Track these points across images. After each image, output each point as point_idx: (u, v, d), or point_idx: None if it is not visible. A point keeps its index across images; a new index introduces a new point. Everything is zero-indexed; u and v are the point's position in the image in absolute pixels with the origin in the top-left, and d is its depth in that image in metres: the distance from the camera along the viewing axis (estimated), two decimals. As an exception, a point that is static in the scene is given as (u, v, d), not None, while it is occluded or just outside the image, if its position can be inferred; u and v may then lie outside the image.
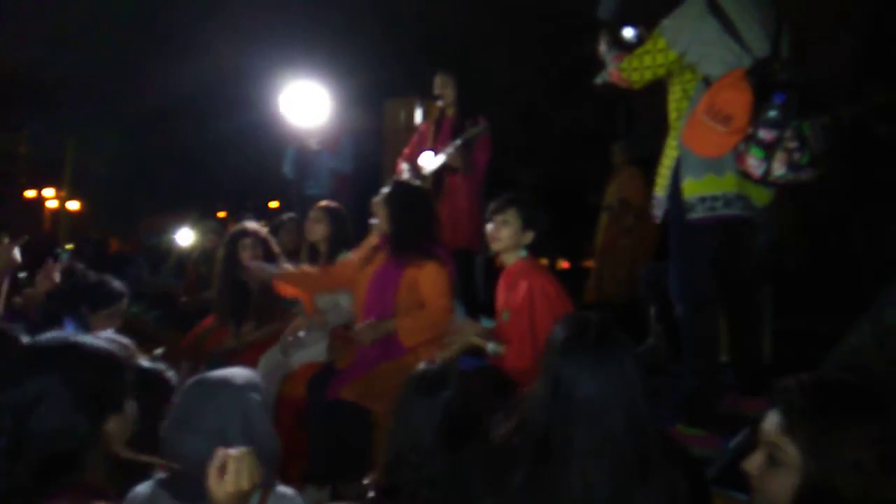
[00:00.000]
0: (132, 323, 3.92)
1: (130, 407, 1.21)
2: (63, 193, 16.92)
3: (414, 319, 2.82)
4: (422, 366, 1.69)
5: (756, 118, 2.15)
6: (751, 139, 2.16)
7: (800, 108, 2.13)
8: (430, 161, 3.99)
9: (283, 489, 1.55)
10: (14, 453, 1.06)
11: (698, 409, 2.37)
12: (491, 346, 2.47)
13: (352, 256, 3.22)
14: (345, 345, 3.11)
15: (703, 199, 2.32)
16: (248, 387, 1.56)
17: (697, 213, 2.33)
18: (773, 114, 2.12)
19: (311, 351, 3.26)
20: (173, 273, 5.22)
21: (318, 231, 3.53)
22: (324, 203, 3.65)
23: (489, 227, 2.66)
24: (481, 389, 1.80)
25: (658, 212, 2.49)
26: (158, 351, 2.49)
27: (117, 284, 2.94)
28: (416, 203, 3.00)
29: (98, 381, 1.14)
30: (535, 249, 2.65)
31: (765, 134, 2.13)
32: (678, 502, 1.35)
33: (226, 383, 1.53)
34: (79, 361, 1.15)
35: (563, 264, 8.52)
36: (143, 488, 1.47)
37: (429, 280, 2.85)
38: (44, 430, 1.07)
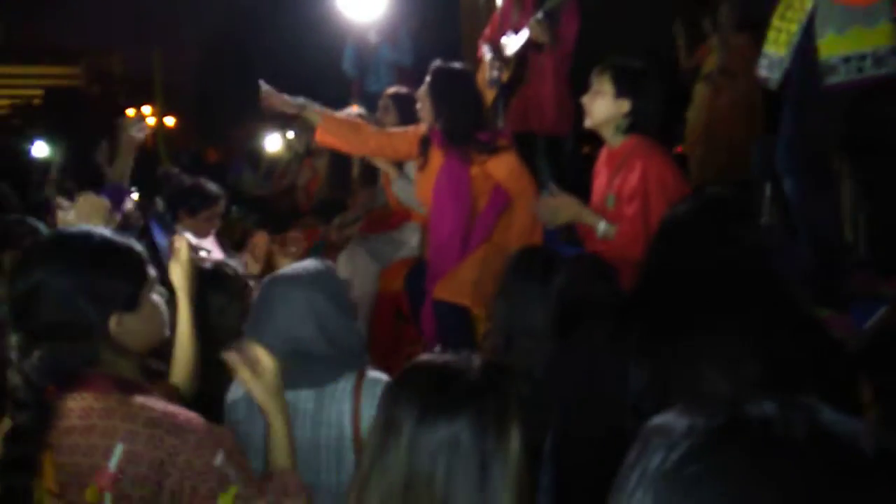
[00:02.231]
0: (232, 226, 4.06)
1: (151, 308, 1.17)
2: (158, 111, 17.66)
3: (519, 223, 2.67)
4: (526, 251, 1.63)
5: None
6: None
7: None
8: (513, 40, 3.71)
9: (376, 374, 1.56)
10: (24, 348, 1.06)
11: (825, 290, 2.17)
12: (602, 227, 2.25)
13: (410, 130, 2.96)
14: None
15: (846, 59, 1.99)
16: (319, 283, 1.54)
17: (839, 77, 2.00)
18: None
19: (406, 247, 3.26)
20: (268, 177, 5.33)
21: (387, 120, 3.36)
22: (391, 90, 3.50)
23: (583, 100, 2.39)
24: (588, 276, 1.71)
25: (773, 74, 2.17)
26: (293, 249, 2.48)
27: (213, 187, 3.00)
28: (461, 87, 2.75)
29: (93, 275, 1.10)
30: (645, 127, 2.31)
31: None
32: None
33: (296, 282, 1.52)
34: (81, 252, 1.12)
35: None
36: (237, 391, 1.52)
37: (505, 170, 2.68)
38: (43, 325, 1.08)
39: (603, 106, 2.29)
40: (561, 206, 2.32)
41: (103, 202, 1.80)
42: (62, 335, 1.07)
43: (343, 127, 2.91)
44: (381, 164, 3.28)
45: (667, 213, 1.64)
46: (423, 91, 2.74)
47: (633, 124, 2.28)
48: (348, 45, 4.58)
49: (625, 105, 2.26)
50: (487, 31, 3.95)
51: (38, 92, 53.64)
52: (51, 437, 1.04)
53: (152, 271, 1.19)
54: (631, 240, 2.20)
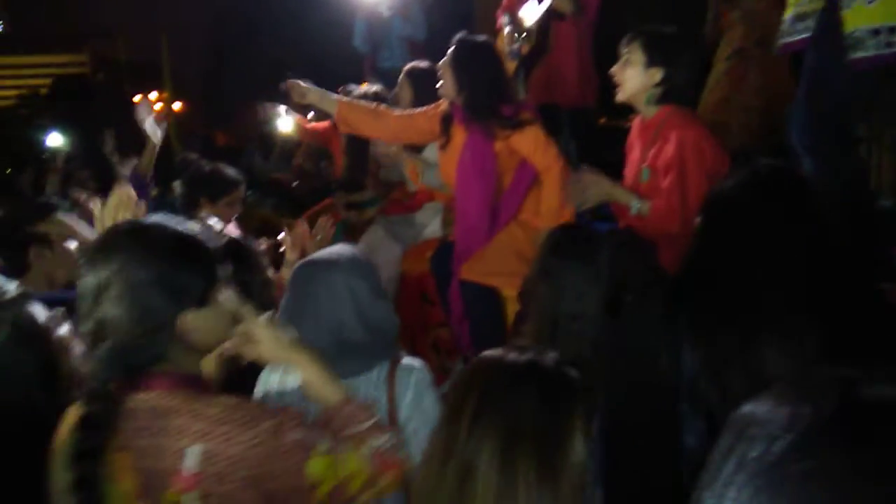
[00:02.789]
0: (251, 210, 4.01)
1: (219, 306, 1.13)
2: (166, 95, 17.56)
3: (548, 200, 2.59)
4: (565, 228, 1.57)
5: None
6: None
7: None
8: (533, 9, 3.58)
9: (409, 360, 1.55)
10: (96, 337, 1.04)
11: (877, 261, 2.08)
12: (636, 204, 2.17)
13: (430, 108, 2.85)
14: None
15: (875, 32, 1.87)
16: (354, 266, 1.52)
17: (866, 52, 1.89)
18: None
19: (428, 228, 3.20)
20: (282, 160, 5.26)
21: (404, 97, 3.23)
22: (408, 66, 3.39)
23: (612, 70, 2.29)
24: (630, 254, 1.65)
25: (791, 39, 2.06)
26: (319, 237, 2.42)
27: (232, 172, 2.94)
28: (485, 60, 2.64)
29: (170, 270, 1.06)
30: (678, 97, 2.21)
31: None
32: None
33: (334, 266, 1.49)
34: (159, 245, 1.08)
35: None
36: (267, 382, 1.48)
37: (530, 145, 2.58)
38: (117, 317, 1.04)
39: (634, 76, 2.19)
40: (591, 186, 2.23)
41: (133, 195, 1.75)
42: (133, 328, 1.03)
43: (362, 113, 2.82)
44: (401, 156, 3.18)
45: (715, 187, 1.56)
46: (444, 64, 2.64)
47: (667, 93, 2.19)
48: (359, 20, 4.46)
49: (657, 74, 2.17)
50: (506, 1, 3.83)
51: (45, 81, 53.66)
52: (123, 439, 1.02)
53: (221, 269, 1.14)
54: (666, 214, 2.12)
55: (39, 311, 1.34)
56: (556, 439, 0.84)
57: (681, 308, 1.42)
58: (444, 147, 2.78)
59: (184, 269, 1.07)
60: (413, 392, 1.50)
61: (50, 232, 2.16)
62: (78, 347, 1.45)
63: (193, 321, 1.07)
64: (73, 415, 1.07)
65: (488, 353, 0.93)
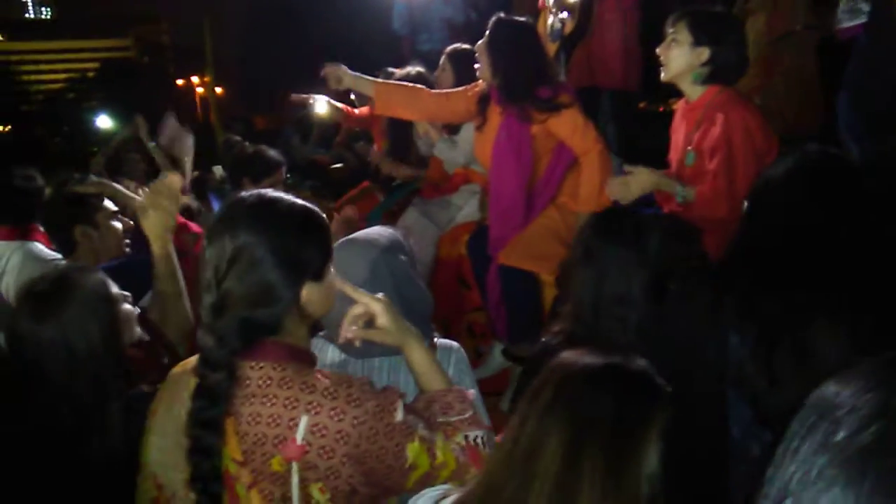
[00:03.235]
0: (291, 192, 4.05)
1: (331, 281, 1.15)
2: (209, 80, 17.80)
3: (587, 184, 2.55)
4: (611, 213, 1.54)
5: None
6: None
7: None
8: None
9: (445, 341, 1.54)
10: (218, 309, 1.05)
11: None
12: (680, 191, 2.13)
13: (468, 88, 2.81)
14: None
15: None
16: (394, 246, 1.52)
17: None
18: None
19: (465, 211, 3.18)
20: (319, 142, 5.30)
21: (445, 80, 3.18)
22: (449, 48, 3.36)
23: (658, 50, 2.23)
24: (677, 239, 1.62)
25: (849, 24, 1.97)
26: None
27: (274, 154, 2.98)
28: (523, 41, 2.58)
29: (294, 244, 1.08)
30: (725, 76, 2.15)
31: None
32: None
33: (372, 244, 1.49)
34: (284, 219, 1.09)
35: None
36: (333, 353, 1.50)
37: (568, 128, 2.53)
38: (241, 289, 1.06)
39: (680, 55, 2.14)
40: (633, 181, 2.18)
41: (179, 182, 1.78)
42: (255, 300, 1.05)
43: (400, 94, 2.80)
44: (422, 128, 3.17)
45: (764, 171, 1.51)
46: (480, 46, 2.60)
47: (714, 73, 2.13)
48: (398, 3, 4.44)
49: (704, 53, 2.11)
50: (546, -20, 3.76)
51: (93, 65, 55.13)
52: (233, 405, 1.04)
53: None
54: (713, 198, 2.06)
55: (109, 282, 1.40)
56: (627, 445, 0.83)
57: (728, 294, 1.38)
58: (480, 128, 2.75)
59: (305, 244, 1.08)
60: (453, 371, 1.50)
61: (96, 211, 2.20)
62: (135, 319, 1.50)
63: (308, 294, 1.09)
64: (181, 382, 1.10)
65: (573, 352, 0.92)
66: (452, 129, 3.12)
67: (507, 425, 0.91)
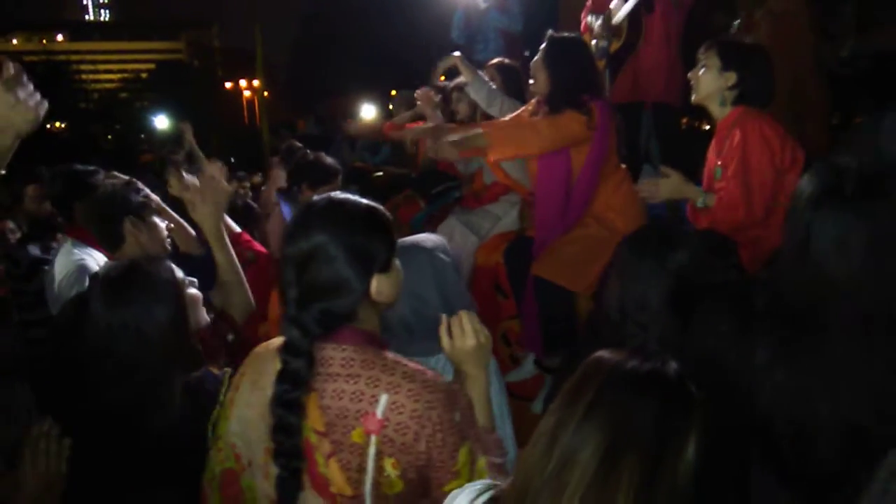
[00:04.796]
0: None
1: (397, 271, 1.26)
2: (260, 85, 18.08)
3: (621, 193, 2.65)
4: (643, 227, 1.60)
5: None
6: None
7: None
8: (622, 6, 3.55)
9: None
10: (300, 302, 1.17)
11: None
12: (701, 199, 2.27)
13: (521, 111, 2.89)
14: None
15: None
16: (439, 249, 1.63)
17: None
18: None
19: (504, 220, 3.25)
20: (367, 149, 5.41)
21: None
22: (494, 61, 3.45)
23: (689, 74, 2.39)
24: (709, 253, 1.66)
25: None
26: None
27: (332, 161, 3.09)
28: (578, 57, 2.68)
29: (363, 240, 1.19)
30: (751, 98, 2.28)
31: None
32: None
33: (418, 247, 1.60)
34: (355, 219, 1.21)
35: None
36: None
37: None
38: (320, 283, 1.16)
39: (709, 79, 2.31)
40: (663, 184, 2.32)
41: (221, 170, 1.89)
42: (332, 293, 1.17)
43: (509, 131, 2.70)
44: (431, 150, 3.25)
45: (798, 188, 1.54)
46: (537, 62, 2.68)
47: (740, 96, 2.28)
48: (458, 12, 4.53)
49: (731, 77, 2.27)
50: (590, 1, 3.82)
51: (146, 66, 56.96)
52: (316, 381, 1.15)
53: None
54: (728, 202, 2.19)
55: (175, 269, 1.50)
56: (665, 456, 0.82)
57: (757, 316, 1.39)
58: None
59: (372, 240, 1.20)
60: None
61: (144, 207, 2.24)
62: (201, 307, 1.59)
63: (378, 285, 1.20)
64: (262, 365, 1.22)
65: (608, 352, 0.91)
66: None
67: (542, 421, 0.91)
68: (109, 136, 33.40)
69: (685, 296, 1.46)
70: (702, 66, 2.33)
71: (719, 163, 2.28)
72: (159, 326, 1.40)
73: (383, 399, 1.12)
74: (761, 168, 2.15)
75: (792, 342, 1.25)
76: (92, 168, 2.69)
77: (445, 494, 1.08)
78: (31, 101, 1.30)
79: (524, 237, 3.01)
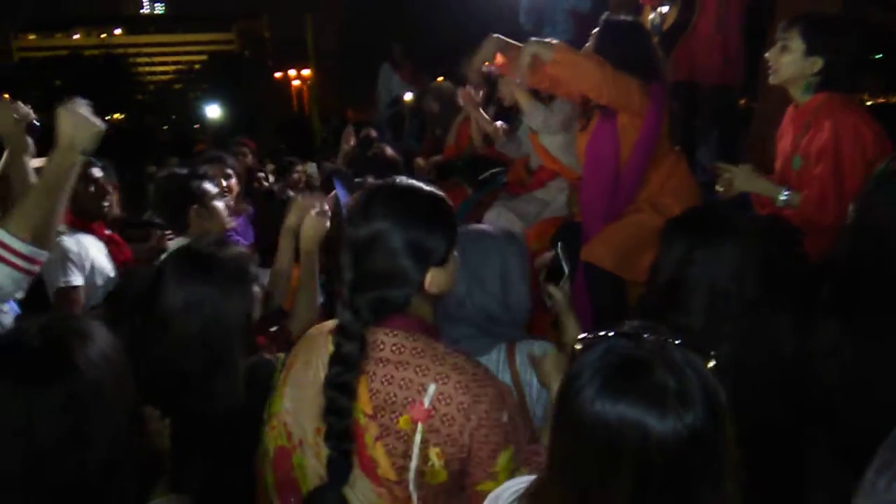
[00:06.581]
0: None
1: (454, 264, 1.24)
2: (311, 73, 18.20)
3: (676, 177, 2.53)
4: (696, 210, 1.54)
5: None
6: None
7: None
8: None
9: (528, 343, 1.58)
10: (355, 287, 1.17)
11: None
12: (783, 195, 2.10)
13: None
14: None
15: None
16: (508, 238, 1.60)
17: None
18: None
19: (553, 205, 3.19)
20: (413, 136, 5.41)
21: None
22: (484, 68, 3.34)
23: (767, 55, 2.19)
24: (773, 241, 1.59)
25: None
26: None
27: (392, 153, 3.11)
28: (634, 41, 2.54)
29: (422, 233, 1.18)
30: (838, 84, 2.08)
31: None
32: None
33: (490, 235, 1.58)
34: (415, 210, 1.19)
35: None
36: None
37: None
38: (376, 271, 1.16)
39: (791, 63, 2.09)
40: (735, 177, 2.18)
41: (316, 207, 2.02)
42: (388, 281, 1.17)
43: (578, 55, 2.48)
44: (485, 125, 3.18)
45: (873, 175, 1.45)
46: (589, 48, 2.59)
47: (826, 82, 2.07)
48: None
49: (817, 63, 2.06)
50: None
51: (199, 58, 58.41)
52: (367, 365, 1.15)
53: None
54: (819, 204, 2.02)
55: (252, 263, 1.54)
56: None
57: (827, 308, 1.34)
58: (583, 129, 2.76)
59: (432, 234, 1.18)
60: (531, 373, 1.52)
61: (206, 193, 2.37)
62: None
63: (432, 278, 1.19)
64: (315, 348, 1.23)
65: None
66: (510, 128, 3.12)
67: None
68: (165, 127, 34.51)
69: (762, 283, 1.41)
70: (782, 47, 2.10)
71: (798, 152, 2.12)
72: (234, 309, 1.43)
73: (431, 389, 1.11)
74: (855, 170, 1.96)
75: (860, 321, 1.21)
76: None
77: (478, 494, 1.09)
78: (93, 119, 1.47)
79: (572, 223, 2.94)
